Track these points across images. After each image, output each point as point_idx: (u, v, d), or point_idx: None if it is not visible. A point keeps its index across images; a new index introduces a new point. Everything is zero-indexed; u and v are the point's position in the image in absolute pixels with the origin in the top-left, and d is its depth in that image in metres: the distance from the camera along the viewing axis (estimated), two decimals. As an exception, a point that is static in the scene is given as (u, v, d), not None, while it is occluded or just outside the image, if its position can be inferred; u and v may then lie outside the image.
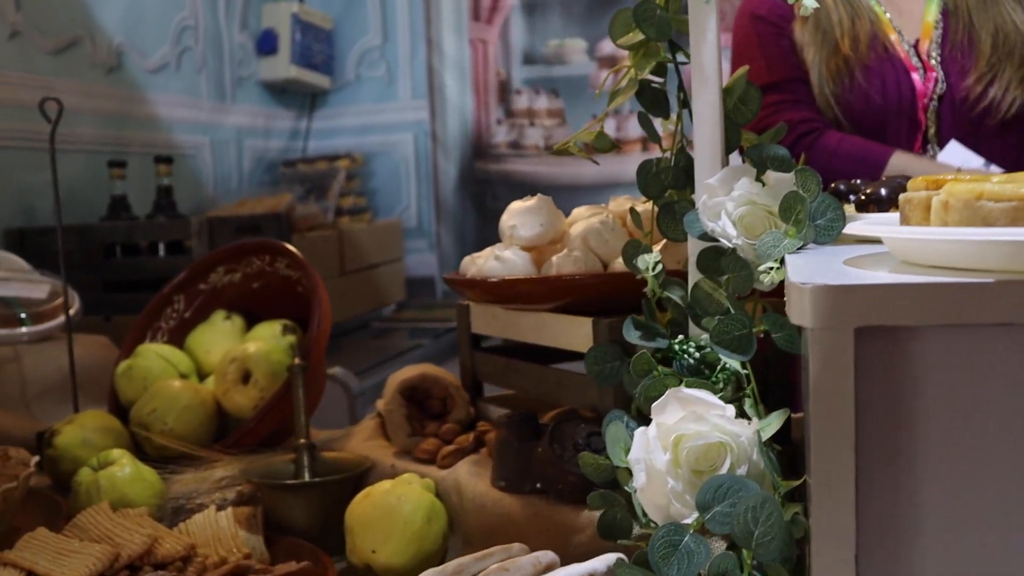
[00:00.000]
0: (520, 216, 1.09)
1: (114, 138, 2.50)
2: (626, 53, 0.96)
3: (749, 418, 0.79)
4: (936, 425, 0.55)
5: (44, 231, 2.06)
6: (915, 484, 0.56)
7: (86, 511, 1.02)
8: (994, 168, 1.53)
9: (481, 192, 3.56)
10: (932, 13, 1.65)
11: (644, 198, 0.98)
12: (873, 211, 0.91)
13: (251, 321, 1.43)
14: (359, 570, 0.97)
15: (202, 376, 1.39)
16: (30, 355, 1.47)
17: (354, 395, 2.13)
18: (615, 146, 0.99)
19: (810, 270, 0.61)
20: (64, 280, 1.38)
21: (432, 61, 3.54)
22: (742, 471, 0.72)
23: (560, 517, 0.91)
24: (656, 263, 0.89)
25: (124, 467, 1.10)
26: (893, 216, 0.79)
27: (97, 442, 1.19)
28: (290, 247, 1.39)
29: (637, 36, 0.91)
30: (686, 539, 0.70)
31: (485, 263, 1.08)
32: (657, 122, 0.95)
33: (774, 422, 0.76)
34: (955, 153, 1.55)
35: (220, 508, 1.05)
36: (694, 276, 0.88)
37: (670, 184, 0.94)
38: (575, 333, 1.00)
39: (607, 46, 3.39)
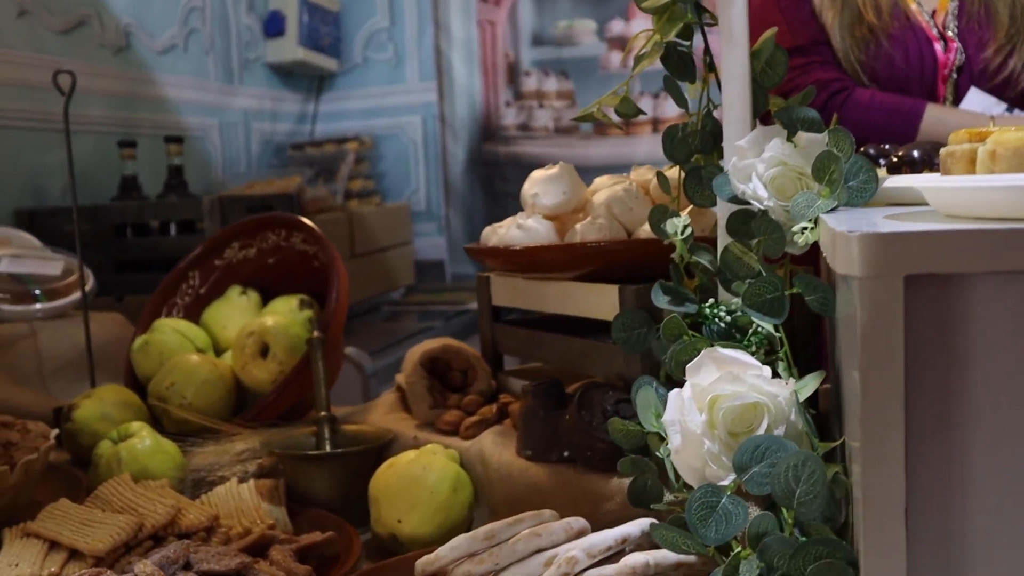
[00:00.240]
0: (542, 184, 1.08)
1: (123, 119, 2.49)
2: (634, 34, 0.94)
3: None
4: (987, 373, 0.54)
5: (54, 212, 2.05)
6: (966, 435, 0.54)
7: (107, 482, 1.01)
8: (1017, 113, 1.52)
9: (490, 175, 3.54)
10: (947, -17, 1.63)
11: (667, 167, 0.97)
12: (906, 173, 0.90)
13: (267, 297, 1.42)
14: (384, 540, 0.96)
15: (218, 352, 1.38)
16: (45, 332, 1.46)
17: (368, 375, 2.12)
18: (640, 112, 0.98)
19: (852, 223, 0.60)
20: (80, 256, 1.37)
21: (440, 43, 3.52)
22: (779, 432, 0.71)
23: (589, 485, 0.90)
24: (685, 226, 0.87)
25: (144, 439, 1.09)
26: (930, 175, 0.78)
27: (116, 416, 1.19)
28: (306, 221, 1.38)
29: (662, -1, 0.90)
30: (723, 500, 0.69)
31: (507, 232, 1.07)
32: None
33: (810, 383, 0.75)
34: (977, 100, 1.54)
35: (242, 480, 1.04)
36: (723, 240, 0.87)
37: (697, 148, 0.93)
38: (601, 301, 0.98)
39: (617, 27, 3.37)
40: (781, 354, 0.80)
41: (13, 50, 2.12)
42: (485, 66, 3.52)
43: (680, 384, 0.78)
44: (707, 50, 0.94)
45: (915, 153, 0.89)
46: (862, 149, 1.01)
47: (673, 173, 0.97)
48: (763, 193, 0.81)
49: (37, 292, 1.52)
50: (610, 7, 3.39)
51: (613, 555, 0.75)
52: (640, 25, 3.23)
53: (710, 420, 0.72)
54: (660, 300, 0.86)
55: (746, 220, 0.84)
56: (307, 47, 3.31)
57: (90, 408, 1.19)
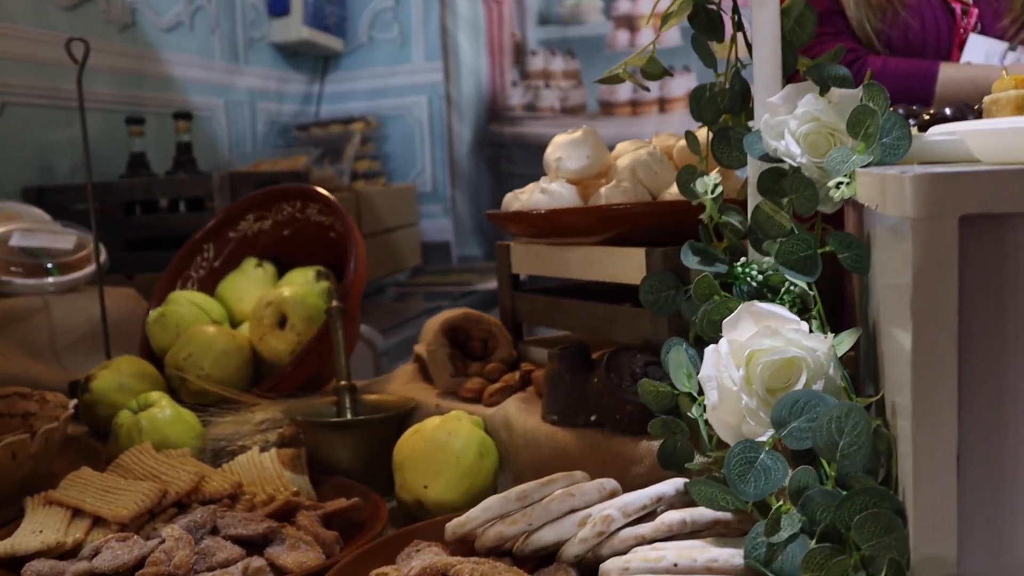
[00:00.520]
0: (566, 148, 1.06)
1: (130, 97, 2.47)
2: (643, 12, 0.93)
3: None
4: (1044, 317, 0.53)
5: (62, 189, 2.03)
6: (1019, 380, 0.53)
7: (129, 451, 1.00)
8: (1022, 49, 1.51)
9: (496, 155, 3.53)
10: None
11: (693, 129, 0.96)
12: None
13: (282, 269, 1.41)
14: (410, 506, 0.95)
15: (234, 324, 1.37)
16: (59, 306, 1.45)
17: (379, 352, 2.11)
18: (667, 72, 0.96)
19: (899, 171, 0.59)
20: (95, 229, 1.36)
21: (446, 22, 3.50)
22: (818, 387, 0.70)
23: (617, 448, 0.89)
24: (716, 185, 0.86)
25: (164, 409, 1.08)
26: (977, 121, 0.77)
27: (134, 387, 1.18)
28: (322, 191, 1.36)
29: (691, -46, 0.88)
30: (762, 456, 0.68)
31: (530, 197, 1.06)
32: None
33: (848, 339, 0.74)
34: (979, 45, 1.53)
35: (263, 450, 1.03)
36: (754, 199, 0.86)
37: (726, 108, 0.92)
38: (627, 264, 0.97)
39: (624, 5, 3.34)
40: (814, 312, 0.79)
41: (20, 26, 2.10)
42: (491, 46, 3.50)
43: (712, 343, 0.77)
44: (735, 8, 0.92)
45: (947, 111, 0.87)
46: (891, 109, 1.00)
47: (700, 135, 0.96)
48: (796, 150, 0.80)
49: (49, 266, 1.51)
50: (617, -15, 3.37)
51: (647, 514, 0.74)
52: (646, 1, 3.20)
53: (747, 375, 0.71)
54: (690, 260, 0.85)
55: (777, 178, 0.83)
56: (312, 26, 3.29)
57: (107, 379, 1.18)
